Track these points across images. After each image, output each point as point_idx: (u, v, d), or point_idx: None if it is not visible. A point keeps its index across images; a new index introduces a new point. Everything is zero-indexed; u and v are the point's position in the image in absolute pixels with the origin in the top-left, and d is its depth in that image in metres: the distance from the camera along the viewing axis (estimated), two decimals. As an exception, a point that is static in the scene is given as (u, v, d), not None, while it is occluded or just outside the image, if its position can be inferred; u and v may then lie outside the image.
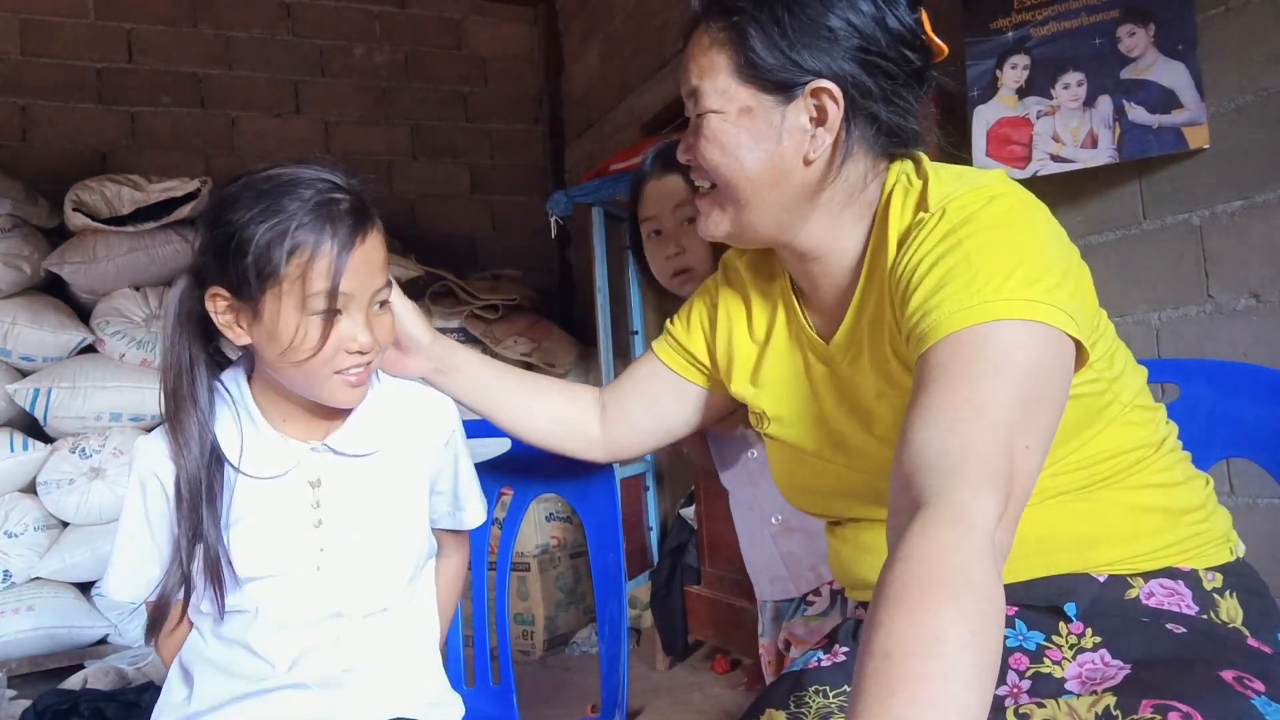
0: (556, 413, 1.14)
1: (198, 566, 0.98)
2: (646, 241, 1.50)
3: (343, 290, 0.92)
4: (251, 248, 0.90)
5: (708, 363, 1.10)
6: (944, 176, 0.86)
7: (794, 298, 0.99)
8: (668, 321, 1.15)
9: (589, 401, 1.15)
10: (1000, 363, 0.70)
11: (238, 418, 1.01)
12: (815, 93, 0.83)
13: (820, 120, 0.85)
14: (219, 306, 0.96)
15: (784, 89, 0.84)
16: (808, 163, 0.86)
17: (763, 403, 1.02)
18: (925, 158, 0.90)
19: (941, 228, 0.81)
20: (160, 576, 1.01)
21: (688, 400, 1.13)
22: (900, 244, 0.85)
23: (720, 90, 0.85)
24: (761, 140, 0.85)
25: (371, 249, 0.95)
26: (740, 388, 1.05)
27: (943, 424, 0.68)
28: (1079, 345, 0.75)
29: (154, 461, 1.01)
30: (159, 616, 1.02)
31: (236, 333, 0.96)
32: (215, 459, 0.99)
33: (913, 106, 0.88)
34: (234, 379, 1.04)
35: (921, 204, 0.85)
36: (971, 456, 0.66)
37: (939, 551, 0.60)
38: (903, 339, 0.82)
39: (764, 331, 1.03)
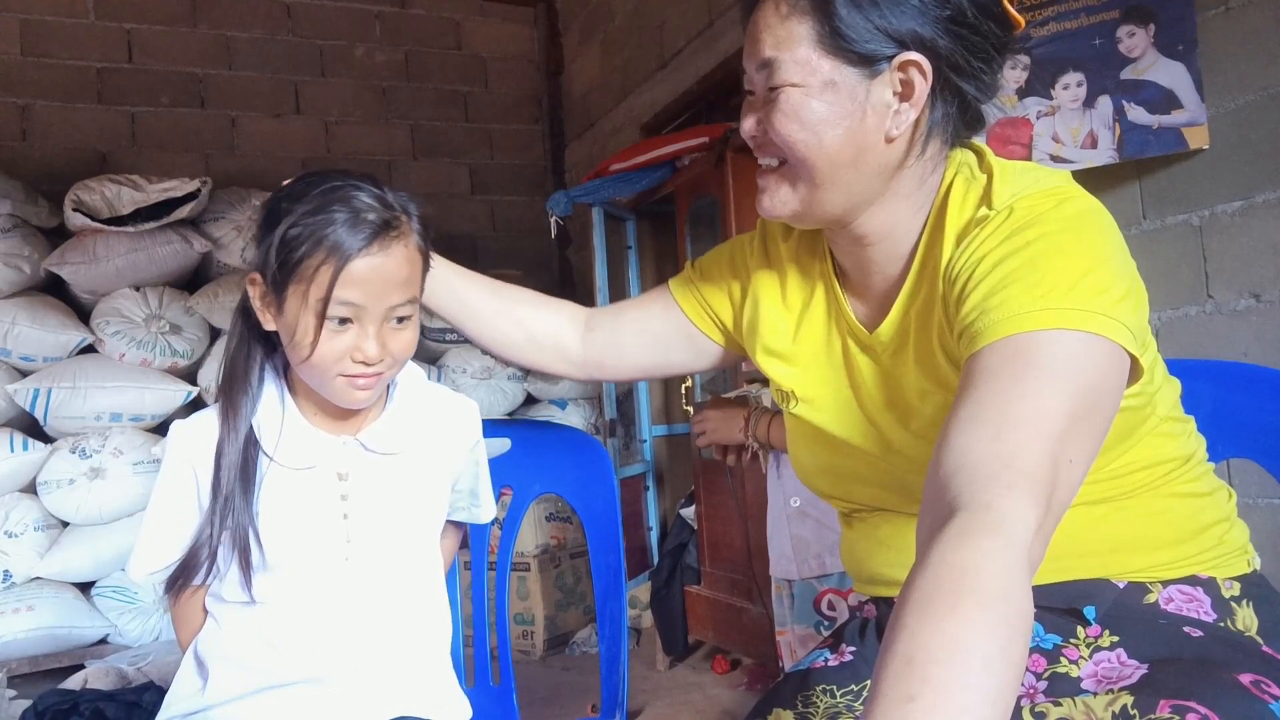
0: (532, 325, 1.13)
1: (226, 545, 0.99)
2: None
3: (352, 300, 0.93)
4: (281, 242, 0.94)
5: (730, 323, 1.07)
6: (1010, 172, 0.83)
7: (835, 280, 0.95)
8: (689, 265, 1.11)
9: (569, 316, 1.14)
10: (1057, 372, 0.68)
11: (274, 406, 1.04)
12: (903, 66, 0.79)
13: (905, 95, 0.80)
14: (255, 291, 0.99)
15: (870, 62, 0.79)
16: (889, 140, 0.82)
17: (792, 381, 0.98)
18: (989, 150, 0.87)
19: (1007, 226, 0.78)
20: (183, 554, 1.01)
21: (698, 351, 1.11)
22: (960, 239, 0.82)
23: (801, 62, 0.80)
24: (844, 117, 0.80)
25: (392, 266, 0.95)
26: (766, 360, 1.00)
27: (989, 428, 0.66)
28: (1133, 360, 0.74)
29: (190, 446, 1.03)
30: (182, 575, 1.02)
31: (266, 319, 0.99)
32: (253, 444, 1.02)
33: (992, 85, 0.84)
34: (277, 371, 1.06)
35: (985, 199, 0.82)
36: (1016, 465, 0.64)
37: (974, 559, 0.58)
38: (953, 336, 0.79)
39: (800, 306, 0.98)
